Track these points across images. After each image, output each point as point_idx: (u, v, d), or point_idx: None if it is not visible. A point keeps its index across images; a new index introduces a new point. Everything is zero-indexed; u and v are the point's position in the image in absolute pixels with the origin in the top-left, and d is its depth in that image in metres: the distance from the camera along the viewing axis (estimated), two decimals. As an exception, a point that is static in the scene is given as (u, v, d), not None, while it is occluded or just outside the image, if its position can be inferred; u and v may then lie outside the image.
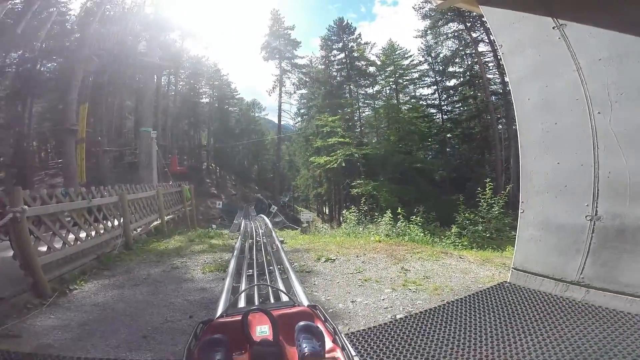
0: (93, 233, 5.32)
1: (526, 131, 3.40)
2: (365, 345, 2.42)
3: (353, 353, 1.31)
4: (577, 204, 2.93)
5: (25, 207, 3.58)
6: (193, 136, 39.98)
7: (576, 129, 2.90)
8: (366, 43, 32.90)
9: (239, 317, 1.45)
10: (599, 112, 2.74)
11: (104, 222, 5.78)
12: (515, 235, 3.60)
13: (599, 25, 2.61)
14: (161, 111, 27.96)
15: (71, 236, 4.65)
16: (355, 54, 32.12)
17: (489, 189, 9.18)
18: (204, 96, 39.91)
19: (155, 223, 8.68)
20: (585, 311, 2.73)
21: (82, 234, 4.99)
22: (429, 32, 28.36)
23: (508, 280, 3.51)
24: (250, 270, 4.31)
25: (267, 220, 11.81)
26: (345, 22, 33.42)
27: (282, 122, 38.27)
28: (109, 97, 24.21)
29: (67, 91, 18.28)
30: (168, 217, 10.17)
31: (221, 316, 1.63)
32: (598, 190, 2.79)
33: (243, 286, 3.50)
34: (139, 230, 7.47)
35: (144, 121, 20.27)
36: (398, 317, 2.91)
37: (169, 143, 29.96)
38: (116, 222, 6.18)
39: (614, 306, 2.70)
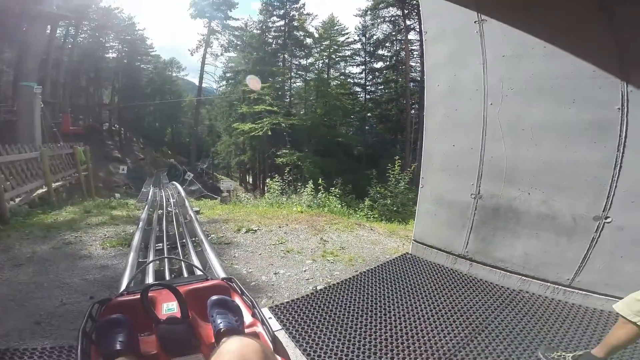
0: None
1: (431, 115, 3.61)
2: (289, 317, 2.47)
3: (274, 327, 1.29)
4: (465, 183, 3.21)
5: None
6: (93, 94, 33.91)
7: (471, 116, 3.16)
8: (308, 14, 31.74)
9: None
10: (491, 103, 3.02)
11: (-36, 190, 4.64)
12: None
13: (513, 25, 2.81)
14: (53, 65, 22.84)
15: None
16: (296, 24, 30.82)
17: (397, 166, 10.11)
18: (110, 51, 33.92)
19: (39, 191, 7.34)
20: (470, 283, 3.01)
21: None
22: (369, 12, 28.92)
23: (410, 252, 3.80)
24: (160, 244, 3.98)
25: (180, 188, 11.01)
26: (292, -12, 31.57)
27: (204, 85, 35.34)
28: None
29: None
30: (57, 183, 8.68)
31: (121, 295, 1.47)
32: (482, 171, 3.09)
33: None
34: (17, 200, 6.24)
35: (28, 76, 16.28)
36: (319, 288, 3.02)
37: (60, 100, 24.87)
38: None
39: (491, 279, 3.02)
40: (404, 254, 3.82)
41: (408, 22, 26.65)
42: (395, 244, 4.46)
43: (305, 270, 3.47)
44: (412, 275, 3.25)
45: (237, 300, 1.42)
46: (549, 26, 2.63)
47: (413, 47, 26.82)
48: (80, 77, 31.13)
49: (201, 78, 34.31)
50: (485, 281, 3.05)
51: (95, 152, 15.21)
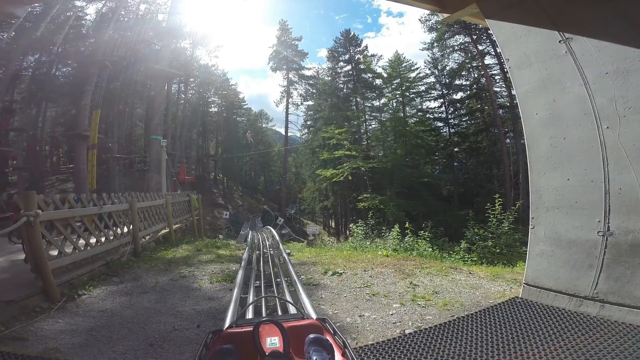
0: (103, 239, 5.39)
1: (534, 146, 3.38)
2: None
3: None
4: (589, 220, 2.90)
5: (39, 211, 3.66)
6: (201, 145, 40.19)
7: (584, 144, 2.89)
8: (372, 55, 32.65)
9: (249, 328, 1.46)
10: (607, 127, 2.73)
11: (114, 228, 5.87)
12: (526, 250, 3.54)
13: (604, 39, 2.62)
14: (171, 119, 27.98)
15: (81, 241, 4.73)
16: (362, 66, 31.76)
17: (498, 205, 9.07)
18: (212, 105, 39.95)
19: (163, 231, 8.75)
20: (600, 326, 2.69)
21: (92, 240, 5.06)
22: (435, 44, 28.23)
23: (520, 296, 3.44)
24: (258, 282, 4.30)
25: (275, 232, 11.78)
26: (352, 33, 33.41)
27: (289, 134, 38.25)
28: (120, 104, 24.52)
29: (80, 96, 18.47)
30: (176, 226, 10.24)
31: (230, 327, 1.64)
32: (609, 206, 2.76)
33: (251, 297, 3.48)
34: (147, 238, 7.54)
35: (154, 129, 20.36)
36: (407, 332, 2.86)
37: (178, 151, 30.17)
38: (125, 229, 6.25)
39: (631, 321, 2.64)
40: (513, 298, 3.44)
41: (480, 47, 24.89)
42: (500, 288, 3.97)
43: (392, 314, 3.29)
44: (524, 319, 2.91)
45: (329, 339, 1.48)
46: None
47: (493, 72, 24.63)
48: (191, 129, 36.43)
49: (286, 128, 37.23)
50: (622, 323, 2.68)
51: (204, 199, 17.65)
